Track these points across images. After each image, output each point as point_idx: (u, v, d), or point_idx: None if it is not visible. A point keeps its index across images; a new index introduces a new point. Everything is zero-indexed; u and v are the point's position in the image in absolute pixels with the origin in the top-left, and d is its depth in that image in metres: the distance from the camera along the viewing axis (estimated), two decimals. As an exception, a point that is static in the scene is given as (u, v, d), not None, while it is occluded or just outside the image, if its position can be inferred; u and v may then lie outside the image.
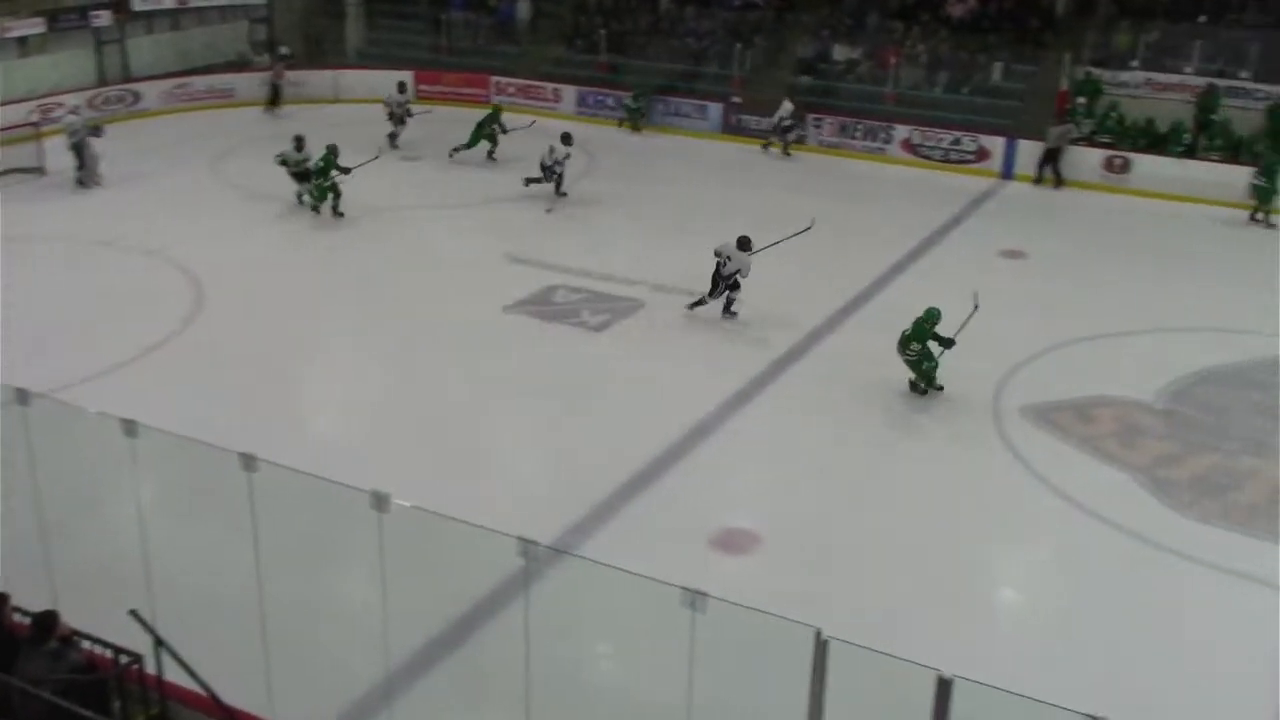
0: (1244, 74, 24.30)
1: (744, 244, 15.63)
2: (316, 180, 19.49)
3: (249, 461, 7.67)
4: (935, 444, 12.74)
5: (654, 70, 28.30)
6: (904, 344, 13.56)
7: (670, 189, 22.32)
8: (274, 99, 27.79)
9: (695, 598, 7.11)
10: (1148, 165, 23.09)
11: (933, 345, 13.51)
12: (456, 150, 23.40)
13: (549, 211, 20.14)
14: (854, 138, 25.43)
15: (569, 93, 28.27)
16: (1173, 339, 15.70)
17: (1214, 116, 23.61)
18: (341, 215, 19.57)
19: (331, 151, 19.53)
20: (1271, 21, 24.71)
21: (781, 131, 24.98)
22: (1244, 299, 17.11)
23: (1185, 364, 14.68)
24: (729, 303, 15.85)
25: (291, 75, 28.55)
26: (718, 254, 15.63)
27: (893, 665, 6.86)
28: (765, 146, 25.27)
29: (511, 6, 31.39)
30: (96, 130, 21.70)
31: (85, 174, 21.14)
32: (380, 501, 7.35)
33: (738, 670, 7.97)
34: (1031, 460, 12.35)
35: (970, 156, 24.36)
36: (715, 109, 26.77)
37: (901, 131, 24.97)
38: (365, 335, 15.35)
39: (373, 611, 8.10)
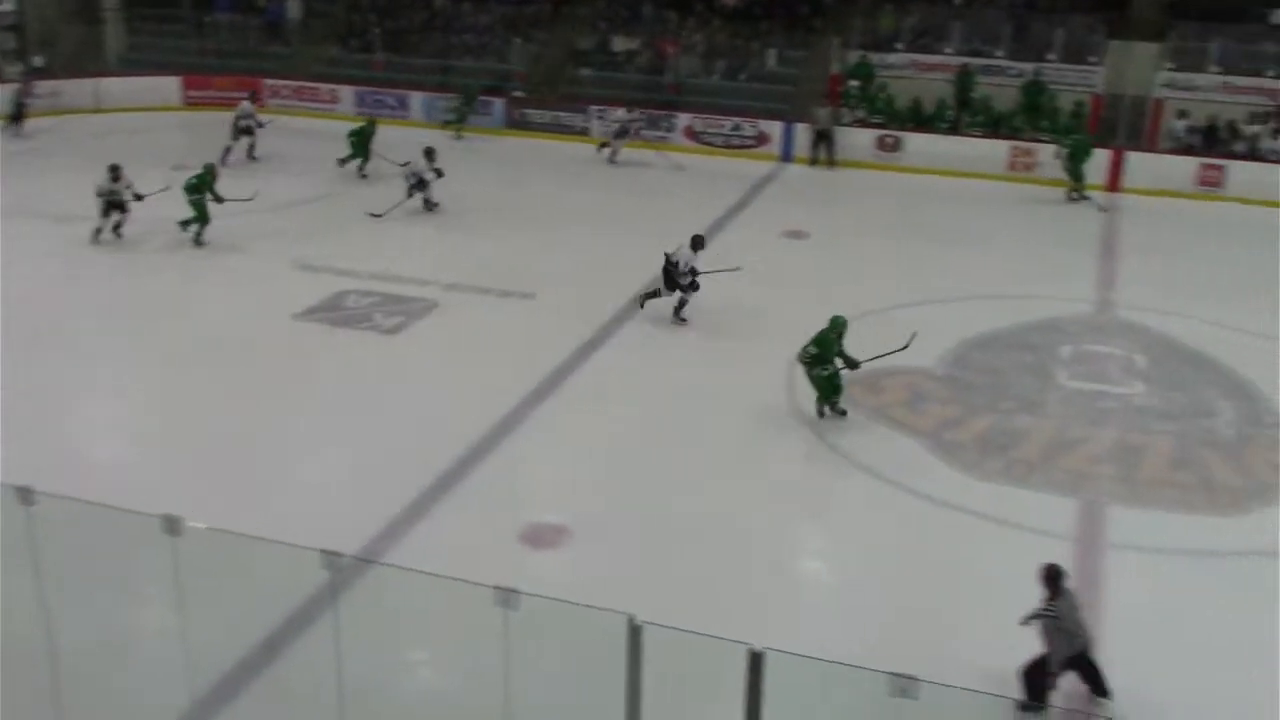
0: (999, 53, 25.67)
1: (697, 243, 15.61)
2: (194, 197, 18.05)
3: (26, 495, 7.26)
4: (733, 423, 12.99)
5: (433, 68, 28.00)
6: (812, 362, 12.68)
7: (455, 187, 22.05)
8: (18, 115, 25.49)
9: (508, 596, 7.08)
10: (917, 143, 24.20)
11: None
12: (345, 161, 22.73)
13: (377, 216, 19.81)
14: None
15: (346, 93, 27.70)
16: (952, 307, 16.44)
17: (972, 94, 24.87)
18: (202, 244, 18.23)
19: (209, 172, 18.32)
20: (1023, 2, 26.18)
21: (617, 135, 24.33)
22: (1016, 266, 18.10)
23: (964, 330, 15.40)
24: (681, 305, 15.68)
25: (46, 85, 26.95)
26: (667, 258, 15.48)
27: (706, 644, 6.98)
28: (601, 147, 24.49)
29: (280, 6, 30.52)
30: None
31: None
32: (172, 525, 7.07)
33: (556, 664, 7.98)
34: (825, 432, 12.75)
35: (750, 141, 24.98)
36: (498, 104, 26.66)
37: (683, 119, 25.40)
38: (149, 355, 14.64)
39: (173, 640, 7.79)
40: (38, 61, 28.13)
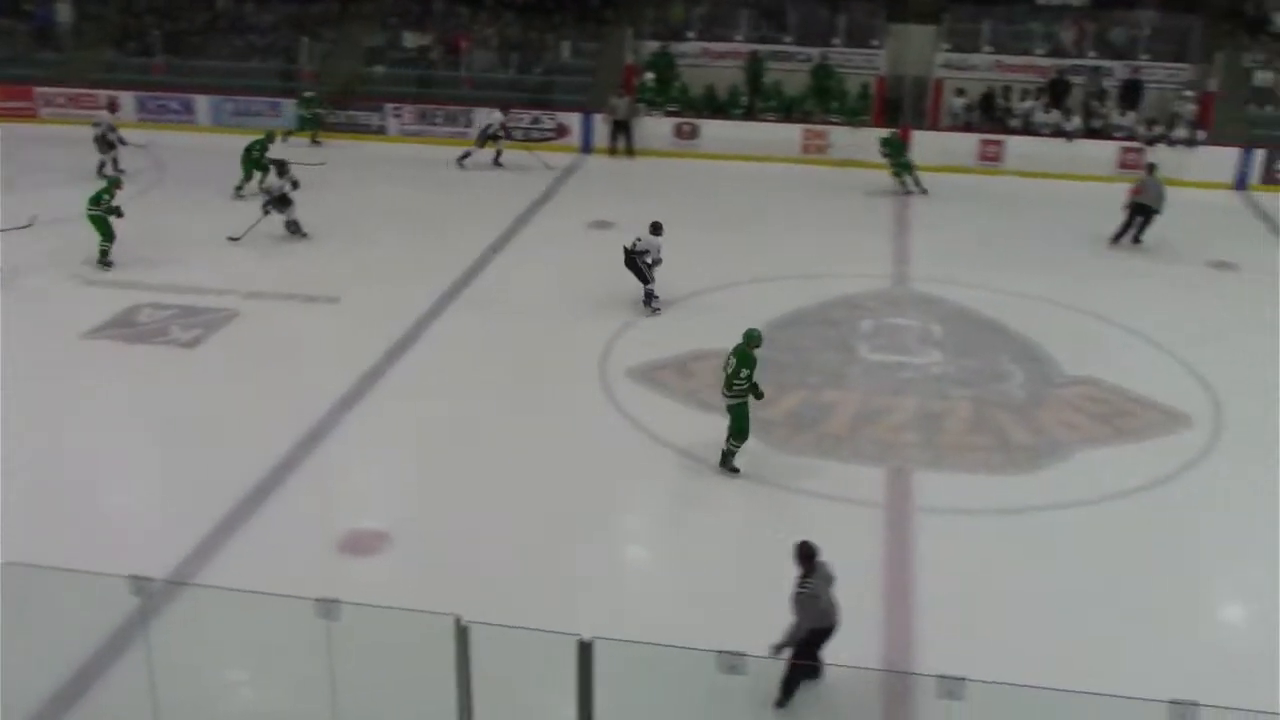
0: (786, 39, 26.34)
1: (656, 229, 15.82)
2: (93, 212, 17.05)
3: None
4: (551, 416, 13.00)
5: (219, 70, 27.07)
6: (730, 379, 11.51)
7: (247, 194, 21.39)
8: None
9: (329, 607, 6.96)
10: (713, 129, 24.66)
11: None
12: (240, 189, 20.92)
13: (235, 240, 18.20)
14: (435, 123, 25.47)
15: (127, 99, 26.46)
16: (757, 289, 16.82)
17: (763, 80, 25.47)
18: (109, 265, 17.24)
19: (114, 184, 17.50)
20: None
21: (486, 139, 23.40)
22: (815, 246, 18.62)
23: (769, 311, 15.75)
24: (649, 295, 15.83)
25: None
26: (634, 247, 15.71)
27: (534, 637, 7.00)
28: (462, 160, 23.37)
29: (49, 9, 28.94)
30: None
31: None
32: (-38, 563, 6.68)
33: (384, 671, 7.85)
34: (641, 419, 12.87)
35: (550, 134, 25.00)
36: (289, 105, 25.93)
37: (482, 114, 25.20)
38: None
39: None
40: None
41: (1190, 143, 20.91)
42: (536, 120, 25.08)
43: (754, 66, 25.60)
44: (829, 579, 8.48)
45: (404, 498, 11.55)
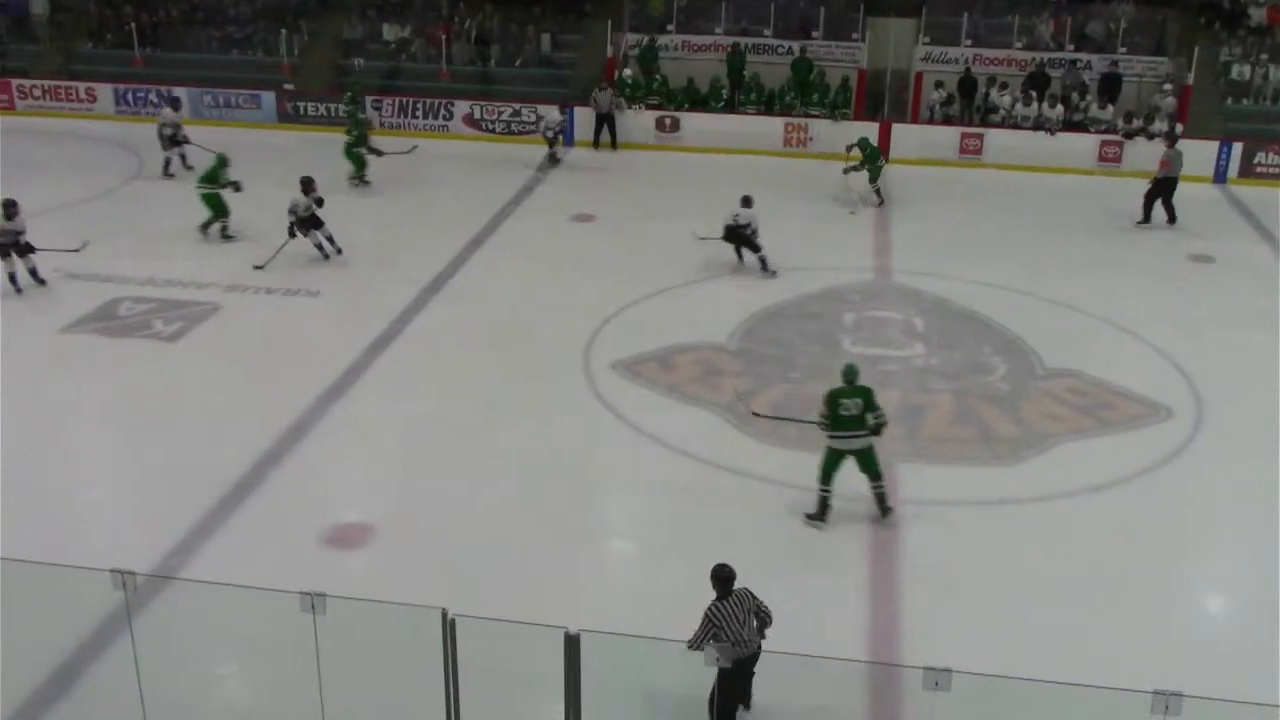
0: (766, 32, 26.36)
1: (747, 201, 17.03)
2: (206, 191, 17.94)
3: None
4: (536, 410, 12.97)
5: (197, 62, 26.92)
6: (859, 419, 10.50)
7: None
8: None
9: (314, 600, 6.94)
10: (694, 122, 24.64)
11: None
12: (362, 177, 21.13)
13: (260, 268, 16.85)
14: (415, 117, 25.36)
15: (105, 92, 26.30)
16: (739, 282, 16.84)
17: (744, 73, 25.48)
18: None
19: (223, 161, 18.20)
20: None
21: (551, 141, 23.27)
22: (796, 238, 18.61)
23: (751, 304, 15.80)
24: (763, 259, 17.04)
25: None
26: (735, 222, 16.86)
27: (522, 630, 7.00)
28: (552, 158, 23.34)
29: (23, 0, 28.71)
30: None
31: None
32: (-56, 558, 6.63)
33: (370, 665, 7.85)
34: (625, 413, 12.87)
35: (531, 127, 24.92)
36: (268, 97, 25.81)
37: (462, 107, 25.16)
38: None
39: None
40: None
41: (1169, 136, 20.97)
42: (516, 113, 25.02)
43: (735, 59, 25.60)
44: (752, 611, 7.80)
45: (388, 491, 11.52)
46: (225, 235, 18.13)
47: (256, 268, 16.72)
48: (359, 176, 21.15)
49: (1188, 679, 6.60)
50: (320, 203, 16.93)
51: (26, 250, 15.69)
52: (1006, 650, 8.89)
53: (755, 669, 7.95)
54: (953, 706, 6.46)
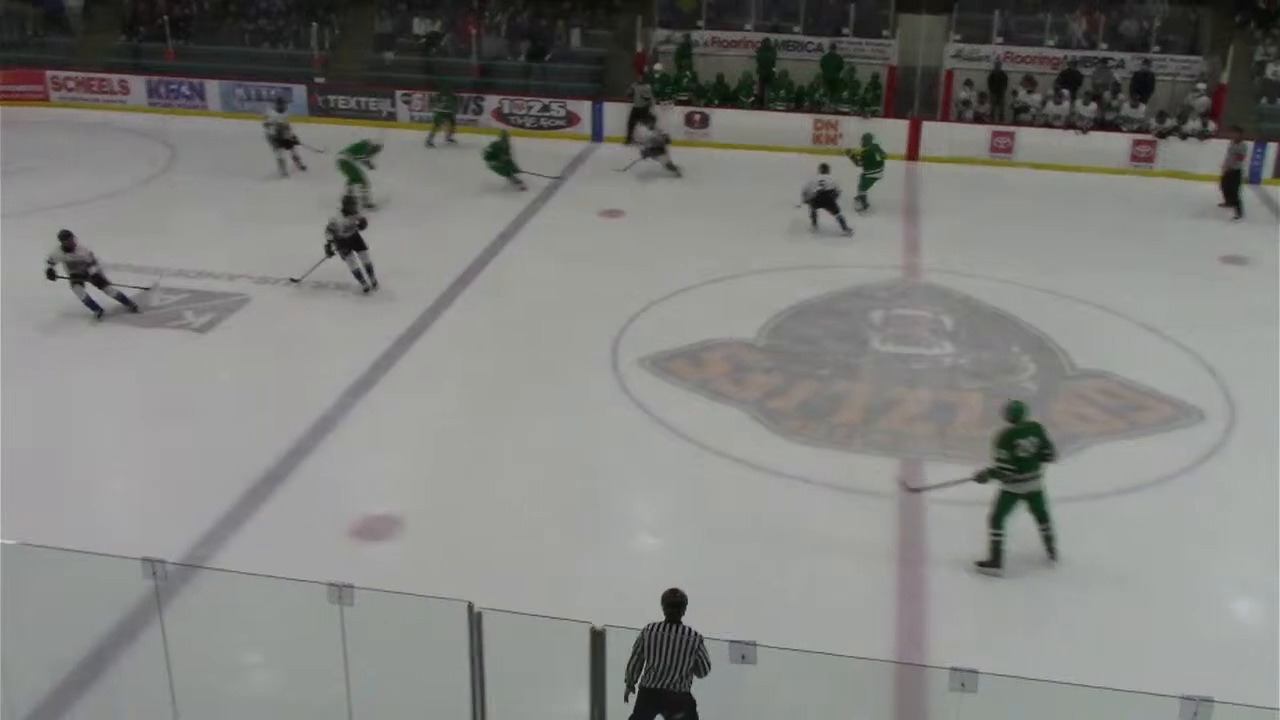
0: (796, 29, 26.28)
1: (826, 168, 18.79)
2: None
3: None
4: (564, 405, 12.98)
5: (229, 55, 27.06)
6: (1032, 460, 9.87)
7: (258, 177, 21.38)
8: None
9: (342, 591, 6.97)
10: (724, 118, 24.58)
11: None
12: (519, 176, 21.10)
13: (295, 281, 16.13)
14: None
15: (138, 84, 26.49)
16: (766, 279, 16.80)
17: (774, 69, 25.41)
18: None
19: (364, 145, 19.61)
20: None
21: (657, 151, 22.34)
22: (825, 236, 18.56)
23: (780, 301, 15.75)
24: (841, 220, 18.74)
25: None
26: (822, 187, 18.51)
27: (547, 625, 7.02)
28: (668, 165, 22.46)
29: (59, -7, 28.98)
30: None
31: None
32: (-20, 546, 6.70)
33: (397, 657, 7.88)
34: (654, 408, 12.86)
35: (561, 122, 24.97)
36: (299, 91, 25.91)
37: (491, 101, 25.20)
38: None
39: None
40: None
41: (1203, 135, 20.80)
42: (546, 108, 25.04)
43: (765, 55, 25.53)
44: (691, 652, 7.21)
45: (416, 484, 11.56)
46: (367, 205, 18.73)
47: (293, 280, 16.14)
48: (514, 181, 20.94)
49: (1218, 683, 6.55)
50: (363, 224, 16.07)
51: (98, 283, 14.92)
52: (1034, 651, 8.85)
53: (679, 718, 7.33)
54: (980, 708, 6.44)
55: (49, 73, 26.80)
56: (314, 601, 6.98)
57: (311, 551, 9.89)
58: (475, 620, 7.05)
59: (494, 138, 21.47)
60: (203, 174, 21.62)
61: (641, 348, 14.31)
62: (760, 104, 25.10)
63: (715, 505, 11.22)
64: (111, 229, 16.76)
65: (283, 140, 21.56)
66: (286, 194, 20.22)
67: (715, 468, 11.79)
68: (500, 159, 20.87)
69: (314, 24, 27.23)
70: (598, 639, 7.01)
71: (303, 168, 21.70)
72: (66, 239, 14.71)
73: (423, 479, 11.66)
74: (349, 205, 16.18)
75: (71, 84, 26.71)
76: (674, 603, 7.31)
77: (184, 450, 11.91)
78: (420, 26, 27.62)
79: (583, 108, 24.91)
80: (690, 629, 7.28)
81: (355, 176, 19.16)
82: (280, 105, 22.41)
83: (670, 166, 21.88)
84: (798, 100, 25.00)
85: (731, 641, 6.85)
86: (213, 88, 26.28)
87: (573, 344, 14.46)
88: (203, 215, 19.10)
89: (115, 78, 26.58)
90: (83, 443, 12.10)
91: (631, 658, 7.30)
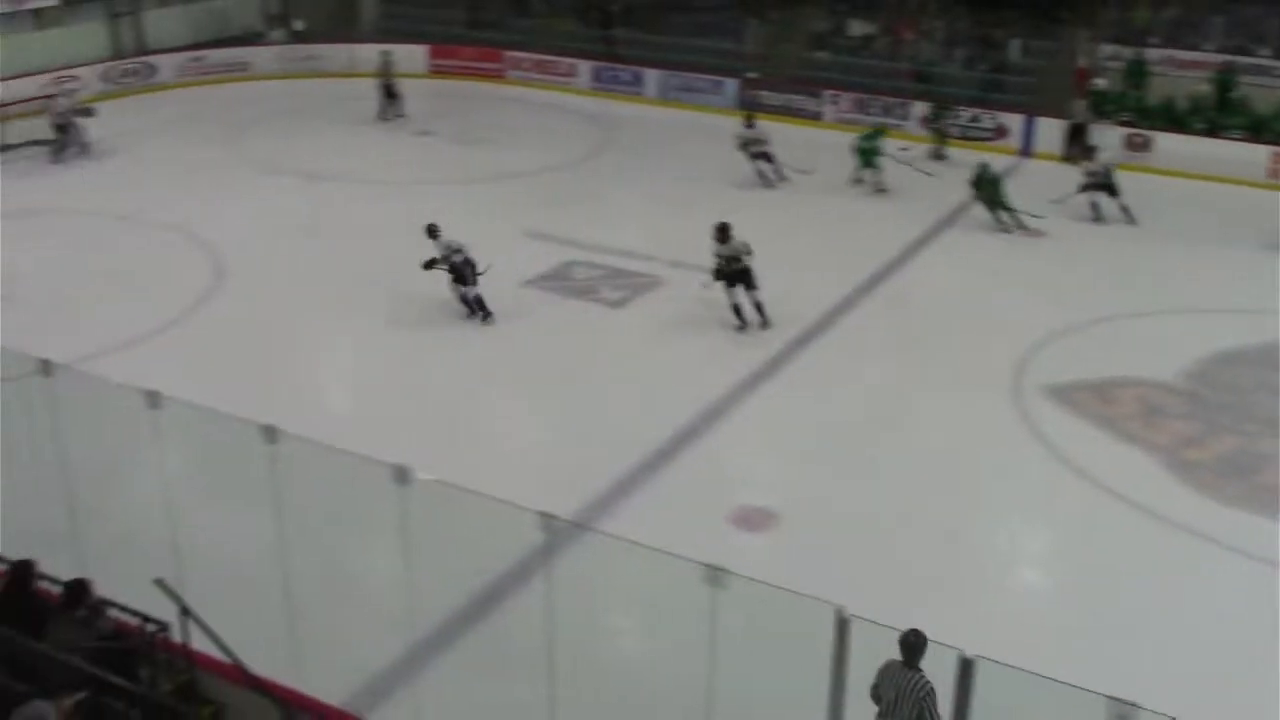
0: (1263, 51, 24.13)
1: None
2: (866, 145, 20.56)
3: (271, 434, 7.70)
4: (954, 423, 12.66)
5: (667, 45, 28.20)
6: None
7: (684, 164, 22.16)
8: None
9: (716, 574, 7.11)
10: (1169, 143, 22.91)
11: None
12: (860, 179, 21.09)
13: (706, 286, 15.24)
14: (869, 113, 25.26)
15: (584, 68, 28.16)
16: (1193, 319, 15.58)
17: (1231, 94, 23.46)
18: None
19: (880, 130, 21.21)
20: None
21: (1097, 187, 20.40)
22: (1269, 279, 16.97)
23: (1206, 345, 14.57)
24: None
25: (303, 50, 28.39)
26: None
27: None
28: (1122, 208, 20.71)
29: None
30: (87, 111, 21.72)
31: (65, 152, 21.22)
32: (402, 475, 7.36)
33: (759, 647, 7.99)
34: (1052, 439, 12.30)
35: (988, 134, 24.19)
36: (731, 84, 26.62)
37: (919, 108, 24.81)
38: (375, 309, 15.24)
39: (395, 585, 8.14)
40: (298, 26, 29.61)
41: None
42: (975, 118, 24.37)
43: (1224, 79, 23.60)
44: (918, 700, 7.07)
45: (795, 482, 11.66)
46: (879, 190, 20.43)
47: (704, 286, 15.19)
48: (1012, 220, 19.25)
49: None
50: (474, 267, 14.60)
51: (461, 279, 14.63)
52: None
53: None
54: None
55: (507, 53, 28.97)
56: (688, 579, 7.18)
57: (688, 530, 10.16)
58: (842, 626, 7.01)
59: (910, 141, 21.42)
60: (633, 156, 22.63)
61: (1044, 374, 13.69)
62: (1212, 131, 23.24)
63: (1107, 552, 10.54)
64: (547, 200, 17.93)
65: (755, 154, 20.98)
66: (715, 181, 20.67)
67: (1113, 512, 11.10)
68: (986, 189, 19.25)
69: (752, 20, 27.87)
70: (966, 668, 6.79)
71: (785, 178, 21.01)
72: (432, 232, 14.64)
73: (803, 478, 11.74)
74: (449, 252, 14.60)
75: (527, 64, 28.74)
76: (910, 645, 7.08)
77: (587, 416, 12.63)
78: (856, 28, 27.64)
79: (1013, 121, 24.04)
80: (921, 676, 7.03)
81: (868, 162, 20.49)
82: (749, 121, 21.34)
83: (1124, 210, 19.53)
84: (1255, 130, 22.96)
85: (1110, 698, 6.44)
86: (651, 76, 27.49)
87: (972, 362, 14.05)
88: (627, 196, 20.04)
89: (565, 60, 28.37)
90: (497, 395, 13.13)
91: (872, 691, 7.19)
